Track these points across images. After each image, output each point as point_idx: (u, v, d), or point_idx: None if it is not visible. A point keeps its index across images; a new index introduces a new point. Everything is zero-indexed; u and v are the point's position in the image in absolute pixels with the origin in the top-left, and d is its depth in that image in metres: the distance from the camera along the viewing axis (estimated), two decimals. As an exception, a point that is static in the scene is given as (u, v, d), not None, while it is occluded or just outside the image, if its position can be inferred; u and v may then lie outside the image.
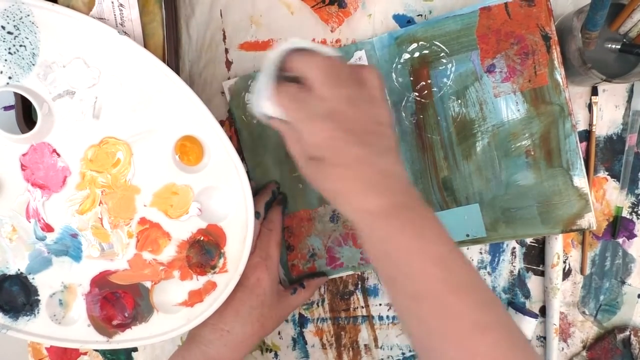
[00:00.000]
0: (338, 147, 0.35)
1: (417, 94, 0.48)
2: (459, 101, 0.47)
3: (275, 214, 0.48)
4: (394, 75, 0.48)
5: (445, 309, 0.33)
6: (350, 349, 0.53)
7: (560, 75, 0.45)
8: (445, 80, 0.47)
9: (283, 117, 0.37)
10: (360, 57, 0.48)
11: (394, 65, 0.48)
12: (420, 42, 0.47)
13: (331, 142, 0.35)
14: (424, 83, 0.47)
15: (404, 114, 0.48)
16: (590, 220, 0.47)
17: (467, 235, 0.48)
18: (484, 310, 0.34)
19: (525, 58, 0.46)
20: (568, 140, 0.46)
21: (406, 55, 0.47)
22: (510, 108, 0.47)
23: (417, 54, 0.47)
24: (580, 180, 0.46)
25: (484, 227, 0.48)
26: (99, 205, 0.43)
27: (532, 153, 0.47)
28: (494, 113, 0.47)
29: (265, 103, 0.37)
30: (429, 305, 0.34)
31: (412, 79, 0.48)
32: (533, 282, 0.51)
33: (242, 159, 0.45)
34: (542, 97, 0.46)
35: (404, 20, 0.49)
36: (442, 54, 0.47)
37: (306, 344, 0.53)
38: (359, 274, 0.51)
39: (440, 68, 0.47)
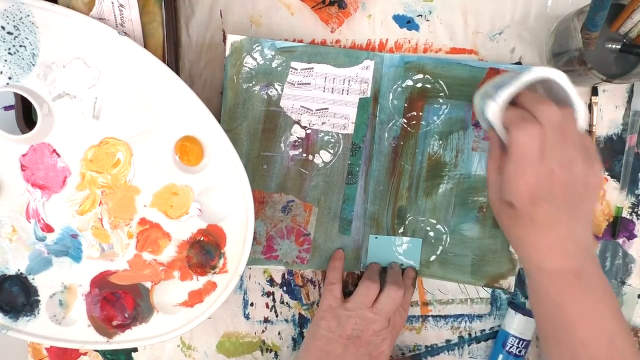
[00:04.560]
0: (538, 206, 0.35)
1: (405, 120, 0.49)
2: (440, 142, 0.49)
3: (410, 294, 0.49)
4: (390, 96, 0.49)
5: None
6: (350, 349, 0.53)
7: None
8: (435, 118, 0.49)
9: (501, 136, 0.38)
10: (368, 66, 0.48)
11: (395, 86, 0.49)
12: (427, 76, 0.48)
13: (532, 199, 0.35)
14: (415, 113, 0.49)
15: (387, 135, 0.49)
16: (510, 282, 0.51)
17: (401, 265, 0.51)
18: None
19: None
20: None
21: (409, 82, 0.48)
22: (481, 164, 0.49)
23: (419, 85, 0.48)
24: None
25: (419, 262, 0.50)
26: (99, 205, 0.43)
27: (484, 210, 0.50)
28: (466, 164, 0.49)
29: (495, 111, 0.37)
30: None
31: (406, 105, 0.49)
32: (533, 283, 0.51)
33: (218, 120, 0.43)
34: None
35: (404, 21, 0.49)
36: (442, 94, 0.49)
37: (306, 344, 0.53)
38: (359, 273, 0.51)
39: (435, 106, 0.49)
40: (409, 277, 0.49)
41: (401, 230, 0.50)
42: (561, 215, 0.36)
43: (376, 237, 0.50)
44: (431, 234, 0.50)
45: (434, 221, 0.50)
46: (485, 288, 0.51)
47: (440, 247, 0.50)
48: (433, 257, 0.50)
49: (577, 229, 0.36)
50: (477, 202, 0.50)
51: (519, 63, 0.50)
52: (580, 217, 0.37)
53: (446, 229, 0.50)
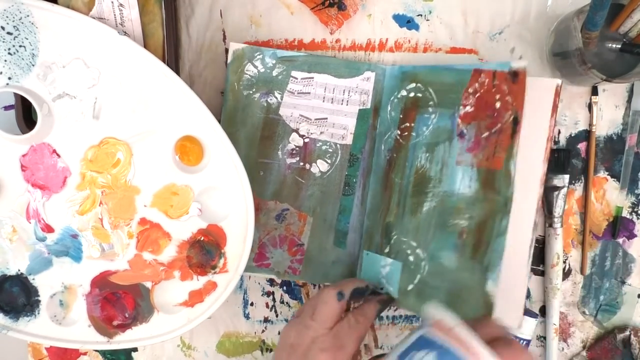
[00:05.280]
0: None
1: (399, 132, 0.47)
2: (427, 154, 0.45)
3: (371, 310, 0.43)
4: (389, 107, 0.48)
5: None
6: (351, 349, 0.53)
7: (514, 166, 0.40)
8: (424, 129, 0.45)
9: None
10: (368, 77, 0.48)
11: (392, 97, 0.48)
12: (418, 84, 0.46)
13: None
14: (408, 124, 0.46)
15: (383, 147, 0.48)
16: None
17: (381, 289, 0.46)
18: None
19: (491, 134, 0.42)
20: (498, 240, 0.40)
21: (404, 92, 0.47)
22: (464, 181, 0.43)
23: (412, 94, 0.47)
24: (492, 287, 0.40)
25: (397, 289, 0.45)
26: (99, 205, 0.43)
27: (464, 236, 0.42)
28: (450, 179, 0.44)
29: None
30: None
31: (401, 116, 0.47)
32: (533, 282, 0.51)
33: (218, 120, 0.42)
34: (492, 182, 0.42)
35: (404, 21, 0.49)
36: (431, 102, 0.45)
37: (306, 344, 0.53)
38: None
39: (425, 115, 0.45)
40: (374, 302, 0.44)
41: (387, 250, 0.46)
42: None
43: (367, 254, 0.47)
44: (411, 258, 0.44)
45: (415, 244, 0.44)
46: None
47: (419, 276, 0.44)
48: (411, 287, 0.44)
49: None
50: (457, 226, 0.43)
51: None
52: None
53: (425, 254, 0.44)
